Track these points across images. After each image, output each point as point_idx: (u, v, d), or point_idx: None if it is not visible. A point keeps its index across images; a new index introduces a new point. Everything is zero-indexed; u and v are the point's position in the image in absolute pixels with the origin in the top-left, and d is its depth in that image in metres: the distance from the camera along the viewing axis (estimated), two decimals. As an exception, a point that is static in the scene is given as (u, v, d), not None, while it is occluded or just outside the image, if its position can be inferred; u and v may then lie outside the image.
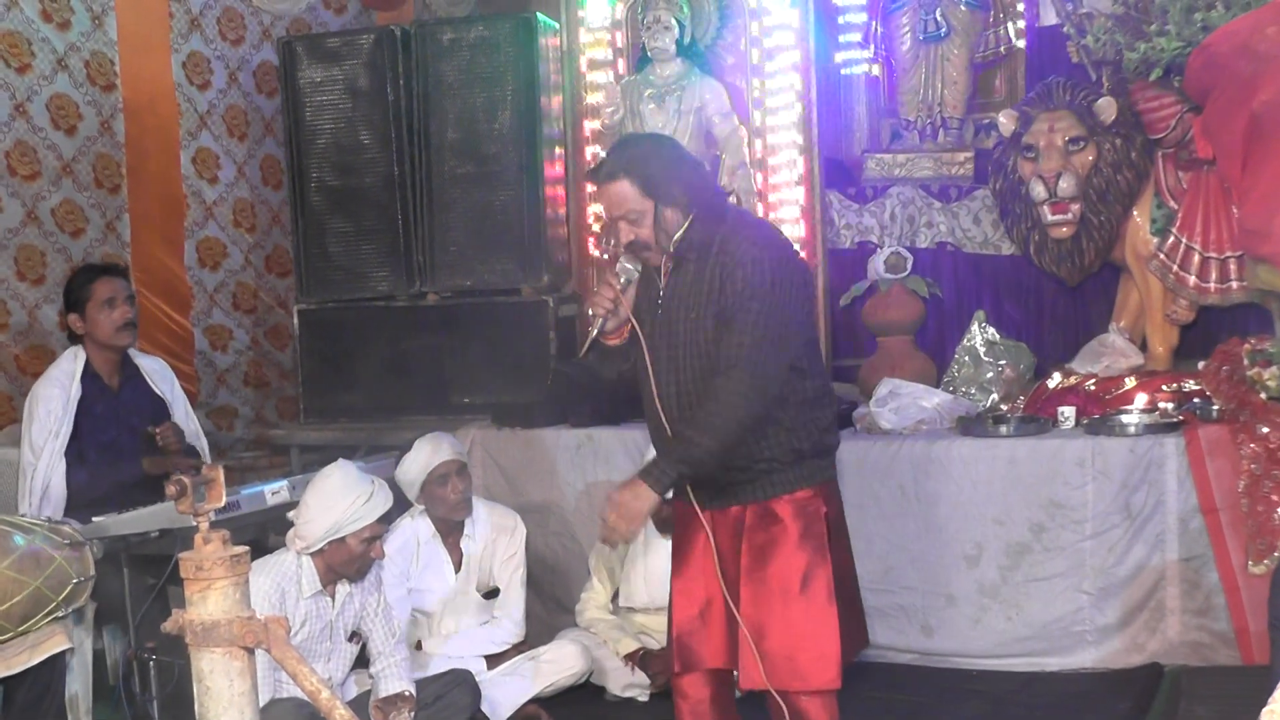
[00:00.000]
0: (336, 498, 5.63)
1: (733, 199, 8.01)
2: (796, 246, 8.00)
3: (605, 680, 6.88)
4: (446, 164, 8.74)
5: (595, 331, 4.91)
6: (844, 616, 4.94)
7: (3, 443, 7.16)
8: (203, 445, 7.07)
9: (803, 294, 4.83)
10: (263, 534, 6.37)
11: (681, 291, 4.82)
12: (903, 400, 7.28)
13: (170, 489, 3.53)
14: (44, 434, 6.48)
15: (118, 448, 6.66)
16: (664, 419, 4.85)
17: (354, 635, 5.97)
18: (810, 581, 4.78)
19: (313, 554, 5.68)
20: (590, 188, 8.57)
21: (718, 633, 4.96)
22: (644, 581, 6.96)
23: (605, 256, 8.39)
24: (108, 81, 8.56)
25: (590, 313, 4.95)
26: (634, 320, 4.94)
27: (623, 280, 4.96)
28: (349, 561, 5.69)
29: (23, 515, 6.01)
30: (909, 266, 8.10)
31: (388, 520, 5.93)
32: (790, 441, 4.78)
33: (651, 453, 5.46)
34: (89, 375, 6.63)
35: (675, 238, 4.80)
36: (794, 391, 4.78)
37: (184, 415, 7.02)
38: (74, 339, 6.72)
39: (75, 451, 6.52)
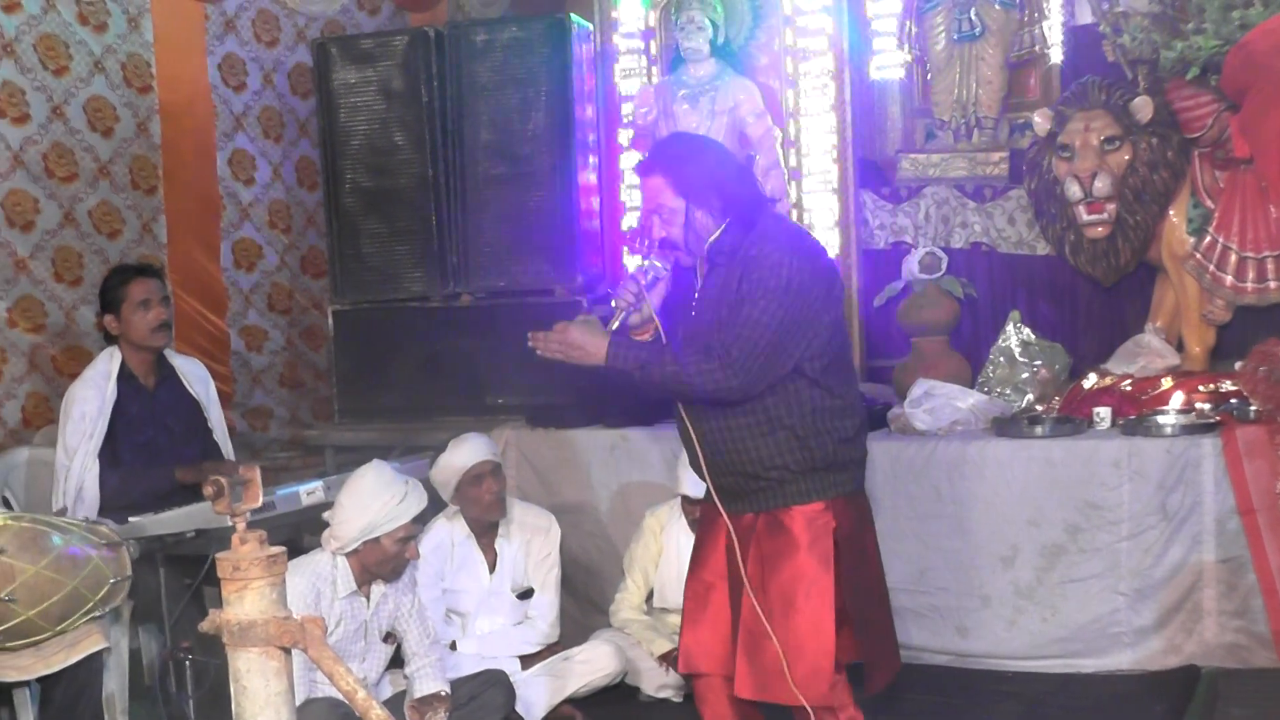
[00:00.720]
0: (371, 498, 5.64)
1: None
2: (833, 250, 8.04)
3: (639, 681, 6.89)
4: (480, 165, 8.74)
5: (615, 324, 4.92)
6: (866, 638, 4.91)
7: (39, 443, 7.17)
8: (229, 453, 7.08)
9: (820, 306, 4.74)
10: (297, 534, 6.38)
11: (711, 295, 4.82)
12: (937, 401, 7.27)
13: (207, 489, 3.55)
14: (78, 436, 6.50)
15: (154, 448, 6.67)
16: (687, 418, 4.88)
17: (389, 635, 5.98)
18: (810, 596, 4.75)
19: (348, 554, 5.70)
20: (628, 184, 8.77)
21: (723, 639, 4.97)
22: (678, 582, 6.91)
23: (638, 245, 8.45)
24: (144, 83, 8.59)
25: (613, 304, 4.98)
26: (657, 319, 4.95)
27: (649, 277, 4.97)
28: (384, 562, 5.71)
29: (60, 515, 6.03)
30: (943, 267, 8.07)
31: (422, 521, 5.95)
32: (802, 451, 4.74)
33: (684, 456, 5.49)
34: (124, 376, 6.64)
35: (708, 241, 4.82)
36: (805, 400, 4.74)
37: (218, 419, 7.04)
38: (109, 339, 6.74)
39: (109, 453, 6.53)
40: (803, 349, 4.69)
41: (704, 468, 4.88)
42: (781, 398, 4.73)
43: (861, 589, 4.89)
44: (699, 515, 5.27)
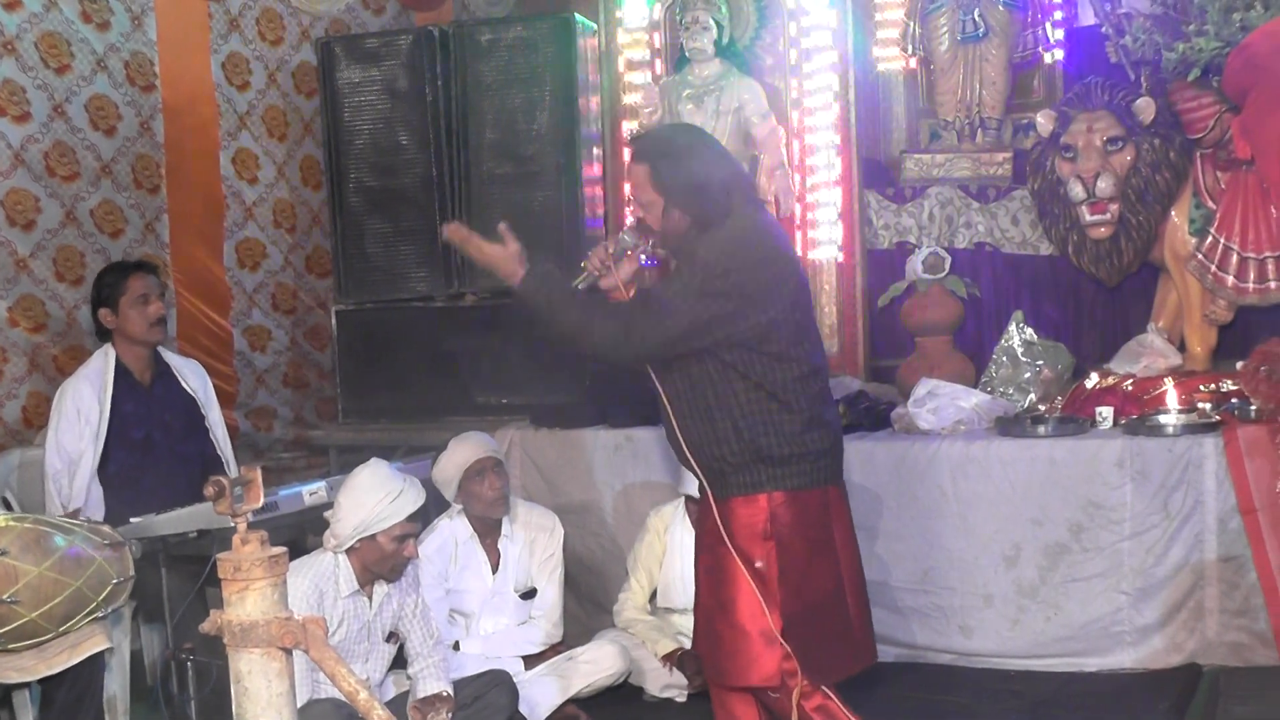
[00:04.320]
0: (365, 495, 5.65)
1: (770, 199, 8.05)
2: (835, 250, 8.05)
3: (643, 681, 6.89)
4: (485, 164, 8.75)
5: (575, 284, 5.01)
6: (813, 635, 4.87)
7: (40, 444, 7.17)
8: (227, 452, 7.07)
9: (753, 304, 4.74)
10: (300, 535, 6.39)
11: None
12: (941, 400, 7.27)
13: (208, 490, 3.55)
14: (76, 436, 6.50)
15: (150, 445, 6.67)
16: (663, 396, 4.95)
17: (391, 636, 5.99)
18: (737, 584, 4.81)
19: (347, 553, 5.69)
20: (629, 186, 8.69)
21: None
22: (682, 582, 6.96)
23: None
24: (147, 82, 8.59)
25: (582, 264, 5.07)
26: (624, 291, 5.03)
27: (614, 249, 5.05)
28: (382, 560, 5.70)
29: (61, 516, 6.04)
30: (947, 267, 8.09)
31: (420, 520, 5.94)
32: (740, 442, 4.79)
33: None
34: (120, 372, 6.65)
35: (678, 238, 4.91)
36: (738, 393, 4.79)
37: (216, 418, 7.04)
38: (102, 335, 6.74)
39: (104, 452, 6.54)
40: (717, 339, 4.74)
41: (682, 446, 4.96)
42: (714, 388, 4.80)
43: (807, 584, 4.87)
44: None
